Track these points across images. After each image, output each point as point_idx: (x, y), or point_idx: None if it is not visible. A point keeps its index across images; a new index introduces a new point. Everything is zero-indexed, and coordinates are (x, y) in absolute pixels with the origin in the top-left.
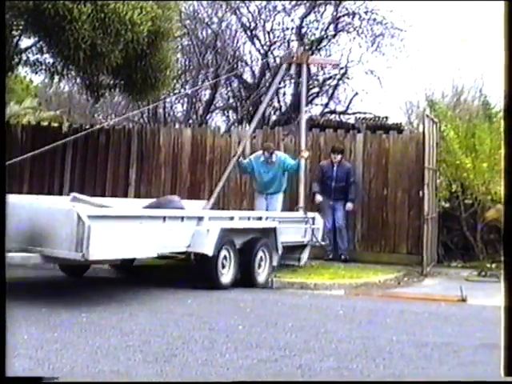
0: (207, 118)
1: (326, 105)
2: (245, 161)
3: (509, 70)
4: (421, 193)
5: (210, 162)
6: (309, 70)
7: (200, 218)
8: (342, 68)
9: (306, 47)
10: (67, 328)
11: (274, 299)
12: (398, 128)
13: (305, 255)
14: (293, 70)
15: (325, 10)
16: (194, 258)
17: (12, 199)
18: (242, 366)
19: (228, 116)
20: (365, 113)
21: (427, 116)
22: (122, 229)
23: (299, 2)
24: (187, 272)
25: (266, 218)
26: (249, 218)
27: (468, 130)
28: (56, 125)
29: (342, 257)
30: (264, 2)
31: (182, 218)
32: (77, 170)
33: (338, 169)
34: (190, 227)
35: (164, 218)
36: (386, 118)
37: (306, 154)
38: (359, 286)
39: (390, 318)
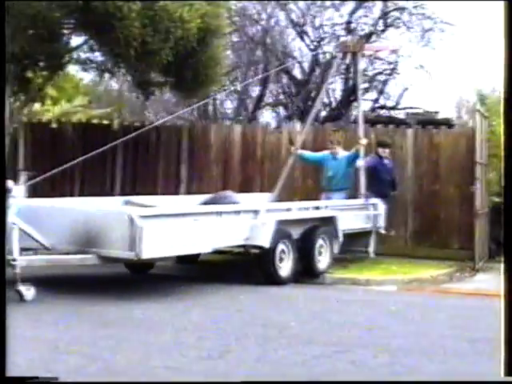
0: (257, 114)
1: (376, 100)
2: (304, 152)
3: (509, 70)
4: (472, 188)
5: (261, 159)
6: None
7: (256, 211)
8: (391, 63)
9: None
10: (120, 325)
11: (326, 295)
12: (449, 123)
13: (371, 244)
14: (348, 60)
15: (374, 5)
16: (250, 251)
17: (68, 203)
18: (296, 362)
19: (278, 112)
20: (415, 108)
21: (478, 111)
22: (174, 226)
23: None
24: (241, 268)
25: (326, 207)
26: (307, 208)
27: None
28: (106, 122)
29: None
30: None
31: (238, 212)
32: (128, 168)
33: (386, 162)
34: (247, 221)
35: (220, 213)
36: (436, 112)
37: (364, 141)
38: (411, 281)
39: (443, 313)
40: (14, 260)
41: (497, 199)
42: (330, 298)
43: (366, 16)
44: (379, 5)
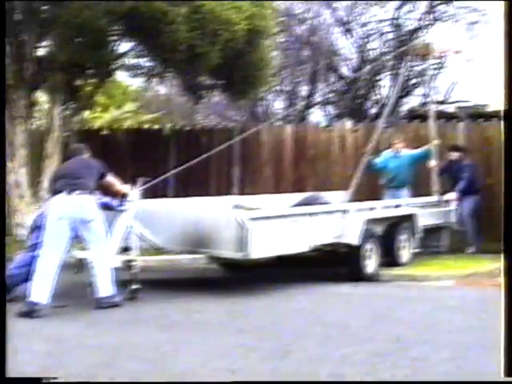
0: (307, 113)
1: (426, 95)
2: (377, 159)
3: (509, 71)
4: None
5: (313, 158)
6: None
7: (345, 211)
8: (439, 57)
9: (403, 38)
10: (180, 328)
11: (384, 292)
12: (499, 115)
13: (445, 240)
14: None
15: None
16: (340, 249)
17: (177, 205)
18: (357, 360)
19: (327, 111)
20: (465, 101)
21: None
22: (277, 227)
23: None
24: (296, 268)
25: (405, 205)
26: (388, 207)
27: None
28: (157, 127)
29: (469, 250)
30: None
31: (330, 212)
32: (180, 171)
33: (455, 166)
34: (337, 220)
35: (314, 213)
36: (487, 105)
37: (436, 141)
38: (469, 275)
39: (501, 306)
40: (133, 261)
41: None
42: (388, 294)
43: (412, 11)
44: None
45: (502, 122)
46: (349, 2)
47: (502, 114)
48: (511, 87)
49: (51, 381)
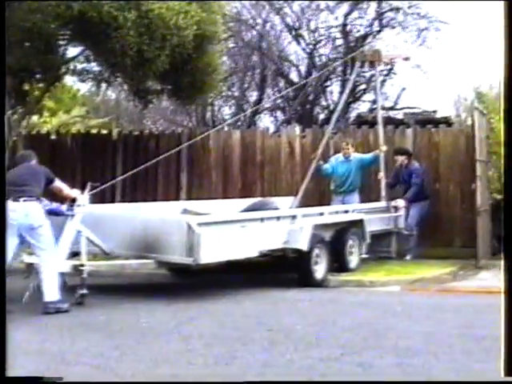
0: (255, 119)
1: (374, 101)
2: (326, 165)
3: (509, 69)
4: (473, 186)
5: (261, 163)
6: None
7: (294, 216)
8: (387, 63)
9: (352, 44)
10: (127, 334)
11: (331, 297)
12: (447, 121)
13: (393, 245)
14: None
15: (368, 6)
16: (289, 254)
17: (125, 210)
18: (303, 365)
19: (276, 116)
20: (413, 107)
21: (476, 108)
22: (226, 233)
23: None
24: (242, 274)
25: (353, 211)
26: (337, 212)
27: None
28: (105, 132)
29: (407, 257)
30: (307, 2)
31: (278, 218)
32: (129, 176)
33: (403, 171)
34: (285, 225)
35: (263, 219)
36: (435, 111)
37: (384, 148)
38: (415, 281)
39: (448, 312)
40: (82, 265)
41: (498, 196)
42: (334, 300)
43: (361, 17)
44: (373, 6)
45: (502, 123)
46: (298, 8)
47: (450, 120)
48: (511, 87)
49: (52, 381)
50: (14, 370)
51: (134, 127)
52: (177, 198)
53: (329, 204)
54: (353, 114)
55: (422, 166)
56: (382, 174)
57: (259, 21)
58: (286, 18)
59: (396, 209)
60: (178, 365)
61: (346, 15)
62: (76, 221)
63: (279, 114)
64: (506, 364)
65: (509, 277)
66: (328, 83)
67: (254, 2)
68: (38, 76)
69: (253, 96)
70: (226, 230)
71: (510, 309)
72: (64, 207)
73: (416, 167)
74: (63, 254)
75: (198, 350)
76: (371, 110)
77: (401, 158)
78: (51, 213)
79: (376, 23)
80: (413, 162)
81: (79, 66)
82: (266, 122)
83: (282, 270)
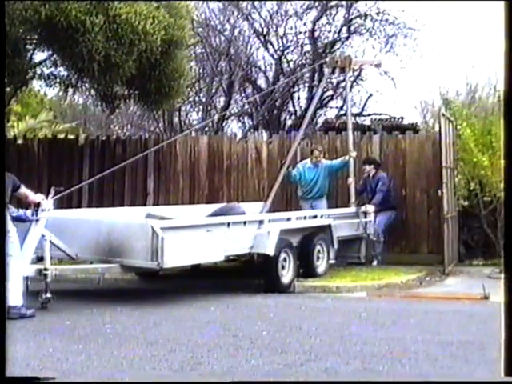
0: (223, 124)
1: (341, 107)
2: (294, 170)
3: (509, 69)
4: (439, 192)
5: (228, 169)
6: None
7: (261, 221)
8: (355, 70)
9: (319, 50)
10: (91, 340)
11: (297, 303)
12: (414, 128)
13: (363, 251)
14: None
15: (336, 12)
16: (256, 259)
17: (90, 214)
18: (268, 371)
19: (244, 122)
20: (380, 114)
21: (443, 115)
22: (191, 237)
23: (311, 6)
24: (208, 279)
25: (321, 216)
26: (305, 217)
27: (484, 128)
28: (72, 137)
29: (374, 263)
30: (276, 7)
31: (245, 223)
32: (94, 181)
33: (370, 180)
34: (252, 230)
35: (228, 223)
36: (402, 118)
37: (353, 153)
38: (381, 287)
39: (414, 318)
40: (46, 270)
41: (465, 203)
42: (301, 306)
43: (330, 24)
44: (342, 12)
45: (502, 122)
46: (266, 14)
47: (417, 126)
48: (511, 87)
49: (50, 381)
50: None
51: (102, 132)
52: (144, 204)
53: (296, 209)
54: (320, 120)
55: (389, 176)
56: (351, 180)
57: (227, 26)
58: (254, 24)
59: (365, 214)
60: (143, 370)
61: (315, 21)
62: (40, 225)
63: (247, 119)
64: (506, 364)
65: (509, 277)
66: (295, 89)
67: (222, 7)
68: (4, 80)
69: (220, 102)
70: (191, 234)
71: (510, 309)
72: (29, 213)
73: (383, 175)
74: (27, 258)
75: (163, 356)
76: (338, 116)
77: (368, 168)
78: (17, 219)
79: (344, 29)
80: (380, 172)
81: (46, 71)
82: (233, 127)
83: (249, 275)
